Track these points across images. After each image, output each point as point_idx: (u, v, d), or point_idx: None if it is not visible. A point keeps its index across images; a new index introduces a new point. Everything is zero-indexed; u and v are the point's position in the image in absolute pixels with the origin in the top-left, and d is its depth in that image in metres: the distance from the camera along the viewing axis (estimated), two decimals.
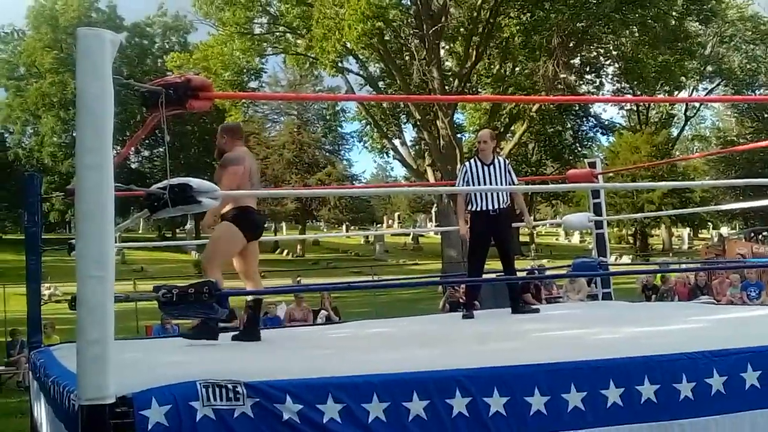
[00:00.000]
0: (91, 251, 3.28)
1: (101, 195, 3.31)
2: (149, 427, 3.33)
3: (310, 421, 3.57)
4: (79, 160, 3.35)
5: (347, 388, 3.69)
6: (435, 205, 48.74)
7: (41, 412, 5.62)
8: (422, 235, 60.75)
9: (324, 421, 3.59)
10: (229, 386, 3.52)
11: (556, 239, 67.57)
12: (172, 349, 5.73)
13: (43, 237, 7.73)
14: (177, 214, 4.66)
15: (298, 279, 30.89)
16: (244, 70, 37.11)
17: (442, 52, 37.17)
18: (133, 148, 40.27)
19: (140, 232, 58.41)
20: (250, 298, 6.38)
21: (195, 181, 4.42)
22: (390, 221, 70.04)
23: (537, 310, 8.36)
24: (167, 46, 59.49)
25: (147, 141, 51.20)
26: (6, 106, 58.36)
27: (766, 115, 59.86)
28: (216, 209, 5.90)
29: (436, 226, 51.90)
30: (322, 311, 16.59)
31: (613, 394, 4.08)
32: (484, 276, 8.84)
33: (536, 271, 15.71)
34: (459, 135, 41.25)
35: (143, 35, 60.84)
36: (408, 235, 60.69)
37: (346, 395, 3.66)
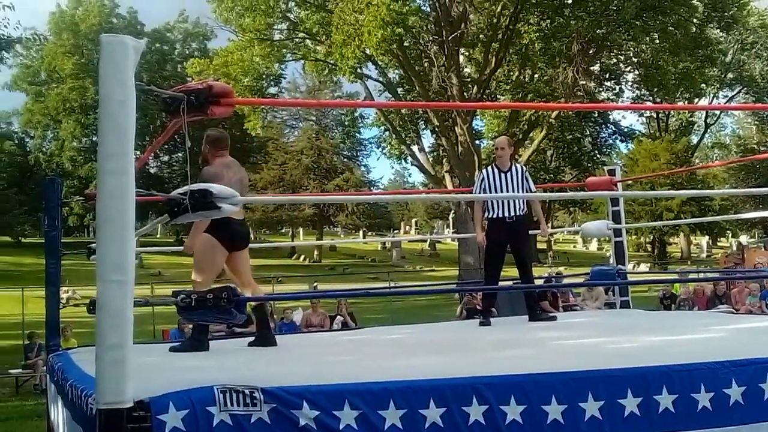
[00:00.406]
0: (111, 256, 3.30)
1: (122, 200, 3.34)
2: (166, 431, 3.35)
3: (326, 427, 3.58)
4: (101, 166, 3.37)
5: (364, 394, 3.69)
6: (453, 211, 48.66)
7: (58, 415, 5.65)
8: (439, 242, 60.71)
9: (340, 428, 3.60)
10: (246, 392, 3.54)
11: (574, 246, 67.39)
12: (190, 353, 5.76)
13: (62, 241, 7.78)
14: (197, 220, 4.69)
15: (315, 284, 30.95)
16: (264, 76, 37.16)
17: (461, 58, 37.18)
18: (152, 153, 40.43)
19: (158, 236, 58.63)
20: (253, 304, 6.38)
21: (215, 187, 4.45)
22: (407, 227, 70.14)
23: (554, 318, 8.34)
24: (187, 52, 59.80)
25: (166, 146, 51.48)
26: (27, 110, 58.85)
27: None
28: (199, 229, 5.91)
29: (453, 232, 51.86)
30: (339, 317, 16.59)
31: (630, 404, 4.07)
32: (501, 283, 8.83)
33: (554, 279, 15.66)
34: (477, 141, 41.25)
35: (164, 41, 61.17)
36: (425, 241, 60.66)
37: (363, 402, 3.67)
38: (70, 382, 4.66)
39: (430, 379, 3.88)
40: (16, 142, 61.11)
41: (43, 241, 7.75)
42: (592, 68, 38.81)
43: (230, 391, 3.52)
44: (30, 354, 16.06)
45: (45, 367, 14.17)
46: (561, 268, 33.22)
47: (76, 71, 55.20)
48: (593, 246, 62.90)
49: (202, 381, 3.62)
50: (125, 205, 3.35)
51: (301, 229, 63.75)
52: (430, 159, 41.56)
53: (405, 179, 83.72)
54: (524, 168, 8.30)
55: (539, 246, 51.88)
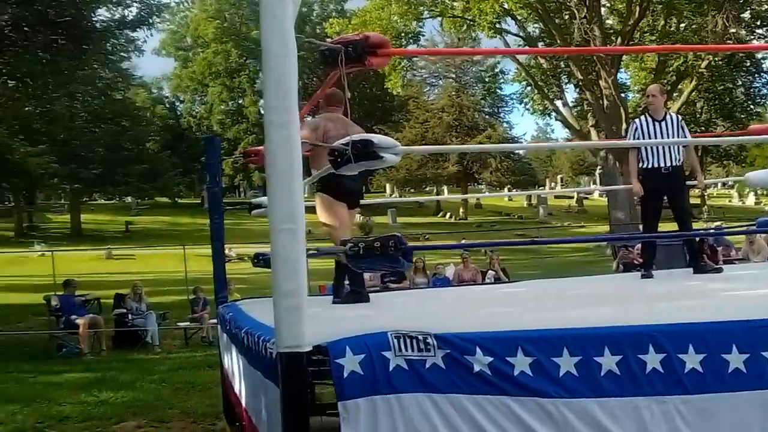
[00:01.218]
0: (282, 205, 3.36)
1: (289, 151, 3.37)
2: (345, 375, 3.38)
3: (501, 373, 3.54)
4: (267, 119, 3.42)
5: (537, 341, 3.63)
6: (599, 167, 47.59)
7: (233, 362, 5.85)
8: (587, 198, 59.66)
9: (515, 374, 3.55)
10: (420, 337, 3.53)
11: (729, 201, 64.88)
12: (353, 305, 5.87)
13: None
14: (359, 170, 4.72)
15: (463, 241, 31.02)
16: (402, 35, 37.14)
17: (603, 9, 36.11)
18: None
19: (305, 195, 59.94)
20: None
21: (376, 137, 4.46)
22: (552, 184, 69.17)
23: (720, 270, 8.03)
24: (325, 13, 60.50)
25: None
26: (175, 76, 61.02)
27: None
28: (307, 135, 5.73)
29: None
30: (491, 272, 16.62)
31: None
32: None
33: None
34: (623, 94, 40.09)
35: (302, 3, 61.80)
36: (572, 197, 59.72)
37: (536, 348, 3.60)
38: (245, 330, 4.80)
39: (604, 327, 3.78)
40: (167, 106, 63.47)
41: (198, 201, 8.00)
42: (742, 15, 36.97)
43: (404, 336, 3.52)
44: (196, 308, 16.78)
45: (211, 321, 14.81)
46: (718, 223, 31.97)
47: (219, 35, 56.74)
48: (750, 200, 60.47)
49: (374, 327, 3.64)
50: (292, 155, 3.38)
51: (445, 187, 63.87)
52: (574, 114, 40.73)
53: (548, 135, 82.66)
54: (680, 117, 8.00)
55: (692, 201, 50.18)
